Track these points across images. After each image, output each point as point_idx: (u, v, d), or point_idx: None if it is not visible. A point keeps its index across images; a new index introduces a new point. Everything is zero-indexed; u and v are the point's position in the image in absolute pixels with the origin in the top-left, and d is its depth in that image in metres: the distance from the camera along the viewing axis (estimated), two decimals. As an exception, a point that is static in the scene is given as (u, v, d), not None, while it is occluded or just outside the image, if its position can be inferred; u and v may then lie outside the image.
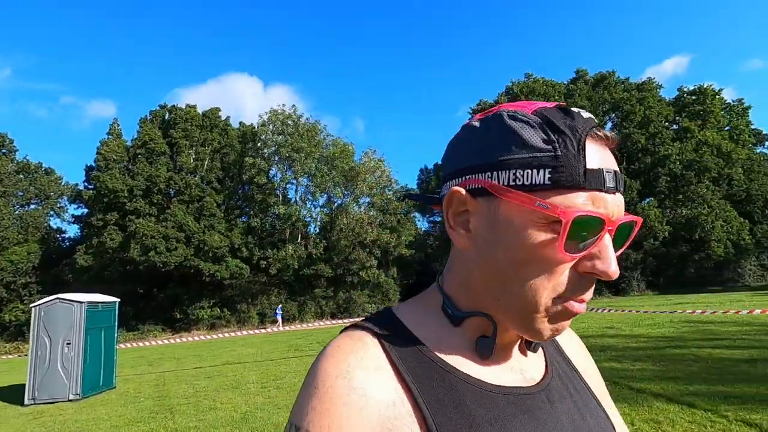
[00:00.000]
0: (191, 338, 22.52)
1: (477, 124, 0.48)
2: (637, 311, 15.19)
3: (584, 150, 0.41)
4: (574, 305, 0.44)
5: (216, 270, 29.16)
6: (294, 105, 32.69)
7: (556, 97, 31.17)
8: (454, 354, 0.48)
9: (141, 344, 22.26)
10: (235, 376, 9.20)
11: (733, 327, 9.73)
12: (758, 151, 33.63)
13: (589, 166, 0.41)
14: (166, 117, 33.68)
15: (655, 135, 28.03)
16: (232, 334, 23.58)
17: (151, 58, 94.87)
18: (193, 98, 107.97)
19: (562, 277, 0.43)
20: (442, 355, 0.48)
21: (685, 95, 31.26)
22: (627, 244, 0.47)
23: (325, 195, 33.51)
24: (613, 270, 0.42)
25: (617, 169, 0.44)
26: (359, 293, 31.36)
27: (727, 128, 29.77)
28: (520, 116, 0.44)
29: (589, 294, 0.45)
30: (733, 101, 32.08)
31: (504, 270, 0.44)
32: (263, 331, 24.26)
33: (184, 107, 33.63)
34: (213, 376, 9.44)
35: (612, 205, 0.42)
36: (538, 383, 0.51)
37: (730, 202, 28.68)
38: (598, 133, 0.43)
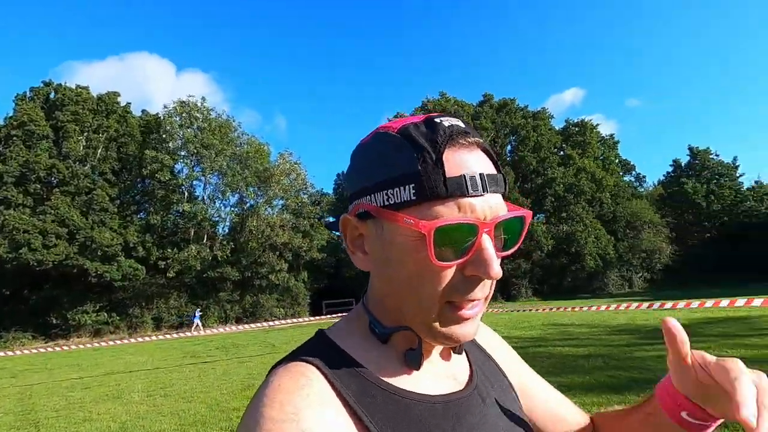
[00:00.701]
0: (70, 347, 20.14)
1: (358, 149, 0.52)
2: (519, 310, 17.16)
3: (441, 160, 0.43)
4: (465, 312, 0.46)
5: (105, 270, 26.44)
6: (203, 97, 30.82)
7: (464, 117, 33.83)
8: (393, 372, 0.50)
9: (3, 354, 19.36)
10: (119, 385, 8.66)
11: (586, 329, 11.57)
12: (625, 179, 39.87)
13: (449, 174, 0.43)
14: (51, 96, 29.79)
15: (544, 159, 31.85)
16: (122, 341, 21.58)
17: (38, 21, 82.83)
18: (88, 76, 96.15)
19: (450, 284, 0.45)
20: (384, 376, 0.49)
21: (570, 126, 36.08)
22: (520, 239, 0.49)
23: (237, 195, 32.29)
24: (494, 272, 0.44)
25: (484, 170, 0.45)
26: (267, 297, 30.64)
27: (600, 158, 34.91)
28: (387, 137, 0.48)
29: (479, 294, 0.46)
30: (606, 135, 37.80)
31: (399, 285, 0.47)
32: (160, 337, 22.57)
33: (74, 87, 30.02)
34: (92, 387, 8.76)
35: (482, 208, 0.44)
36: (468, 384, 0.54)
37: (600, 221, 33.49)
38: (461, 140, 0.45)
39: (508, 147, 34.47)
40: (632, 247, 33.84)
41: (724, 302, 10.79)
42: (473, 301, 0.46)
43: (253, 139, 32.90)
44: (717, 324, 10.25)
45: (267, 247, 30.08)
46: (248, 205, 32.61)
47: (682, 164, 41.58)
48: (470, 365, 0.58)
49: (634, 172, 44.36)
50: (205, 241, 30.12)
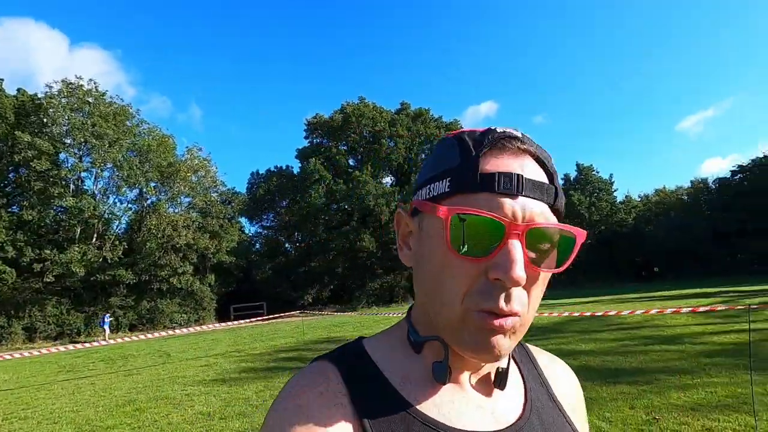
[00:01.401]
0: None
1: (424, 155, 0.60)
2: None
3: (479, 156, 0.44)
4: (492, 320, 0.43)
5: (-41, 274, 22.40)
6: (93, 80, 27.31)
7: (382, 123, 34.60)
8: (418, 390, 0.48)
9: None
10: (-33, 410, 7.46)
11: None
12: None
13: (483, 170, 0.43)
14: None
15: (453, 168, 33.96)
16: (-22, 356, 18.39)
17: None
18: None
19: (472, 284, 0.43)
20: (405, 393, 0.47)
21: (478, 139, 38.93)
22: (571, 257, 0.45)
23: (137, 190, 29.42)
24: (516, 276, 0.41)
25: (522, 173, 0.44)
26: (168, 302, 28.35)
27: None
28: (444, 141, 0.49)
29: (512, 305, 0.43)
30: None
31: (429, 282, 0.46)
32: (34, 352, 19.66)
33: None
34: (-70, 414, 7.44)
35: (512, 207, 0.42)
36: (510, 426, 0.49)
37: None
38: (508, 144, 0.45)
39: (422, 155, 35.99)
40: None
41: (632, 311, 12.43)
42: (502, 312, 0.43)
43: (156, 129, 30.17)
44: (578, 322, 11.82)
45: (169, 248, 27.86)
46: (148, 202, 29.91)
47: (571, 178, 47.12)
48: (525, 403, 0.52)
49: None
50: (93, 240, 26.96)
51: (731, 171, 38.03)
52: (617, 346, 8.04)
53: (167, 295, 28.49)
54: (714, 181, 39.94)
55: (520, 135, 0.46)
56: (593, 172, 46.42)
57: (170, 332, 12.46)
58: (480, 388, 0.51)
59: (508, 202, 0.42)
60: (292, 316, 24.61)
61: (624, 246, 40.67)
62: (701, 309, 6.39)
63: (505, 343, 0.44)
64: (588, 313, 9.11)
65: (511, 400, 0.52)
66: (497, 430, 0.47)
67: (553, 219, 0.45)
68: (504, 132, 0.46)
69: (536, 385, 0.56)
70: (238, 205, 36.70)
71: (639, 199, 47.69)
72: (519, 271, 0.41)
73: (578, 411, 0.58)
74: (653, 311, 6.95)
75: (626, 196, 47.62)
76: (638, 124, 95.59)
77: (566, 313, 10.07)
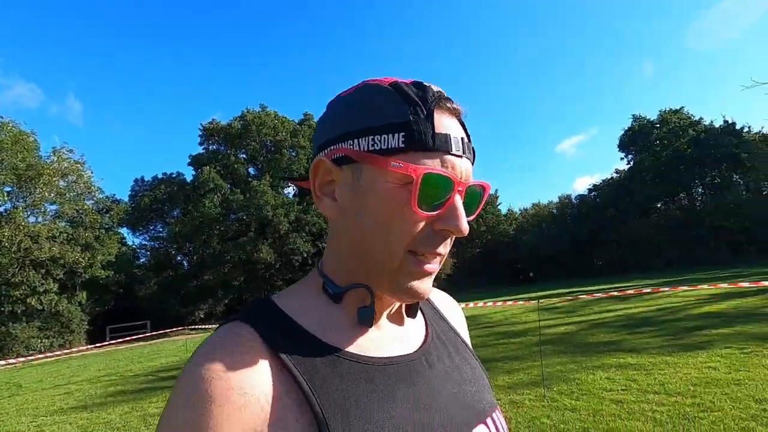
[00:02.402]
0: None
1: (340, 98, 0.52)
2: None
3: (432, 116, 0.46)
4: (427, 266, 0.48)
5: None
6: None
7: (283, 133, 34.29)
8: (339, 334, 0.50)
9: None
10: None
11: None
12: None
13: (437, 130, 0.46)
14: None
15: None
16: None
17: None
18: None
19: (419, 235, 0.47)
20: (327, 338, 0.48)
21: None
22: (479, 209, 0.53)
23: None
24: (464, 227, 0.47)
25: (464, 136, 0.49)
26: (24, 326, 24.39)
27: None
28: (377, 88, 0.49)
29: (442, 249, 0.49)
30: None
31: (367, 232, 0.48)
32: None
33: None
34: None
35: (460, 168, 0.47)
36: (418, 348, 0.55)
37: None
38: (447, 104, 0.48)
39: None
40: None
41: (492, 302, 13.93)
42: (435, 256, 0.48)
43: (10, 124, 25.73)
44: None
45: (26, 263, 24.10)
46: (1, 209, 25.56)
47: (462, 192, 51.36)
48: (426, 329, 0.60)
49: None
50: None
51: (588, 189, 45.10)
52: (488, 339, 9.24)
53: (22, 318, 24.50)
54: (576, 197, 46.87)
55: (448, 96, 0.50)
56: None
57: (23, 360, 10.96)
58: (393, 321, 0.56)
59: (458, 163, 0.47)
60: (181, 333, 22.98)
61: (505, 254, 45.50)
62: (530, 303, 7.77)
63: (430, 285, 0.50)
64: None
65: (417, 328, 0.59)
66: (411, 352, 0.53)
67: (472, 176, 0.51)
68: (440, 91, 0.49)
69: (431, 311, 0.64)
70: (118, 214, 33.15)
71: (519, 212, 53.83)
72: (465, 224, 0.47)
73: (462, 327, 0.69)
74: (498, 303, 8.17)
75: (509, 210, 53.45)
76: (525, 144, 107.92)
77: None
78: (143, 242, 36.07)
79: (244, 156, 36.02)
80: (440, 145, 0.46)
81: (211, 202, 30.11)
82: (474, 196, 0.51)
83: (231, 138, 34.62)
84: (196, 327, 21.88)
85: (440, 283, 43.40)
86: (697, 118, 34.79)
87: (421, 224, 0.47)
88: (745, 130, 33.16)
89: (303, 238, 31.68)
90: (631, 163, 37.90)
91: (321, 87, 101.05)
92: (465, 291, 38.41)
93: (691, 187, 35.02)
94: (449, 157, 0.47)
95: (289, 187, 36.71)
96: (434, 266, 0.49)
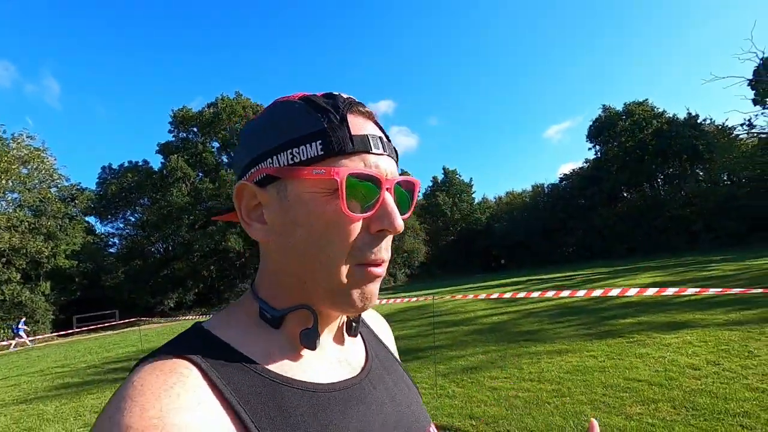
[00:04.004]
0: None
1: (252, 123, 0.51)
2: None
3: (346, 120, 0.46)
4: (374, 269, 0.47)
5: None
6: None
7: (255, 121, 33.95)
8: (282, 361, 0.47)
9: None
10: None
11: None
12: None
13: (353, 133, 0.46)
14: None
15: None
16: None
17: None
18: None
19: (357, 241, 0.46)
20: (270, 366, 0.46)
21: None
22: (413, 206, 0.53)
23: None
24: (399, 224, 0.47)
25: (382, 135, 0.49)
26: (-15, 317, 24.07)
27: None
28: (287, 104, 0.49)
29: (385, 254, 0.48)
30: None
31: (304, 248, 0.46)
32: None
33: None
34: None
35: (384, 167, 0.47)
36: (361, 370, 0.54)
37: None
38: (359, 108, 0.49)
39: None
40: (397, 249, 40.25)
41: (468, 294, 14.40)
42: (380, 261, 0.48)
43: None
44: (406, 311, 13.69)
45: (-15, 253, 23.66)
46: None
47: (438, 180, 51.97)
48: (366, 350, 0.59)
49: None
50: None
51: (559, 178, 46.13)
52: (427, 329, 9.68)
53: (-16, 308, 24.17)
54: (548, 186, 47.90)
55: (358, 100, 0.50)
56: (457, 176, 51.86)
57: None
58: (334, 342, 0.55)
59: (381, 161, 0.47)
60: (150, 323, 23.02)
61: (478, 241, 46.41)
62: (483, 296, 8.21)
63: (377, 290, 0.49)
64: (414, 299, 10.63)
65: (357, 349, 0.58)
66: (354, 376, 0.52)
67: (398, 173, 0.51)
68: (350, 97, 0.49)
69: (364, 329, 0.64)
70: (84, 202, 32.56)
71: (493, 200, 54.75)
72: (400, 220, 0.47)
73: (391, 341, 0.70)
74: (458, 296, 8.57)
75: (483, 198, 54.29)
76: (511, 131, 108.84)
77: (404, 300, 11.61)
78: (111, 231, 35.60)
79: (216, 144, 35.63)
80: (359, 147, 0.46)
81: (180, 191, 29.87)
82: (403, 194, 0.51)
83: (202, 126, 34.16)
84: (168, 317, 21.94)
85: (414, 271, 44.21)
86: (660, 110, 35.79)
87: (357, 229, 0.46)
88: (708, 122, 34.34)
89: (273, 227, 31.79)
90: (599, 153, 38.87)
91: (304, 74, 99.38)
92: (439, 279, 39.24)
93: (654, 177, 36.21)
94: (371, 156, 0.46)
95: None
96: (380, 270, 0.48)
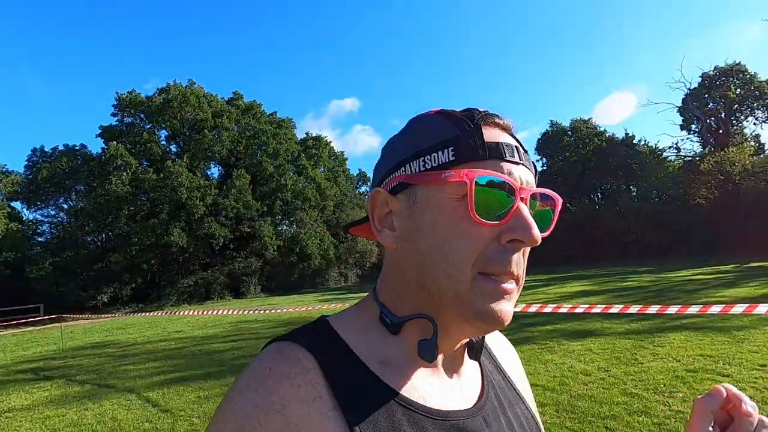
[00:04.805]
0: None
1: (390, 140, 0.53)
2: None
3: (480, 129, 0.45)
4: (503, 284, 0.44)
5: None
6: None
7: (208, 112, 32.72)
8: (397, 372, 0.47)
9: None
10: None
11: (257, 324, 13.46)
12: (361, 190, 47.22)
13: (486, 140, 0.45)
14: None
15: (280, 166, 34.34)
16: None
17: None
18: None
19: (486, 250, 0.44)
20: (385, 377, 0.46)
21: (308, 139, 40.19)
22: (553, 224, 0.49)
23: None
24: (535, 234, 0.43)
25: (518, 145, 0.47)
26: None
27: (330, 170, 40.37)
28: (423, 118, 0.50)
29: (516, 267, 0.45)
30: (338, 152, 44.04)
31: (428, 255, 0.45)
32: None
33: None
34: None
35: (518, 174, 0.45)
36: (476, 404, 0.50)
37: (327, 225, 38.53)
38: (495, 119, 0.47)
39: (250, 150, 35.34)
40: (350, 249, 40.32)
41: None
42: (509, 276, 0.45)
43: None
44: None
45: None
46: None
47: (394, 183, 52.49)
48: (482, 381, 0.55)
49: (369, 184, 53.43)
50: None
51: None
52: None
53: None
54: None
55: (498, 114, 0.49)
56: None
57: None
58: (452, 363, 0.52)
59: (515, 169, 0.45)
60: (80, 318, 21.62)
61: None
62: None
63: (510, 308, 0.45)
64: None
65: (473, 377, 0.54)
66: (469, 408, 0.49)
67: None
68: (486, 110, 0.48)
69: (487, 360, 0.59)
70: (9, 185, 30.02)
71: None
72: (537, 230, 0.43)
73: (522, 379, 0.63)
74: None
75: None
76: None
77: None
78: (41, 218, 32.99)
79: (164, 133, 34.02)
80: (492, 153, 0.45)
81: (120, 180, 28.22)
82: (543, 212, 0.48)
83: (150, 112, 32.45)
84: (100, 312, 20.68)
85: (366, 272, 44.57)
86: (602, 129, 38.35)
87: (486, 238, 0.44)
88: (642, 143, 37.19)
89: (220, 222, 30.81)
90: (545, 166, 40.97)
91: (268, 66, 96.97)
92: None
93: (594, 191, 38.70)
94: (504, 163, 0.45)
95: (210, 169, 35.34)
96: (511, 286, 0.45)
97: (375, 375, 0.45)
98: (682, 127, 36.43)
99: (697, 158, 32.98)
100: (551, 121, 41.11)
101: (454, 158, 0.44)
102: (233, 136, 34.19)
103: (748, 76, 32.85)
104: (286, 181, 33.76)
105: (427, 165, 0.46)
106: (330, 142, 41.44)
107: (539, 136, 41.69)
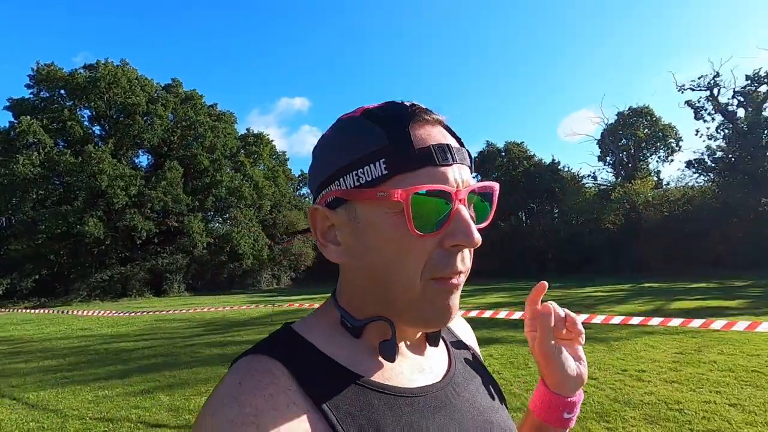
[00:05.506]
0: None
1: (319, 142, 0.51)
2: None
3: (408, 133, 0.44)
4: (450, 282, 0.46)
5: None
6: None
7: (139, 97, 30.70)
8: (365, 366, 0.48)
9: None
10: None
11: (175, 323, 12.90)
12: (303, 191, 46.46)
13: (417, 146, 0.44)
14: None
15: (217, 161, 33.03)
16: None
17: None
18: None
19: (431, 258, 0.45)
20: (357, 370, 0.47)
21: (249, 136, 39.03)
22: (492, 213, 0.51)
23: None
24: (475, 238, 0.44)
25: (450, 142, 0.46)
26: None
27: (262, 168, 39.39)
28: (349, 122, 0.48)
29: (462, 266, 0.47)
30: (280, 151, 43.24)
31: (379, 270, 0.46)
32: None
33: None
34: None
35: (453, 176, 0.45)
36: (444, 376, 0.54)
37: (263, 225, 37.53)
38: (423, 116, 0.46)
39: (185, 141, 33.56)
40: (285, 251, 39.58)
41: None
42: (457, 273, 0.47)
43: None
44: (283, 314, 13.69)
45: None
46: None
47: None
48: (449, 357, 0.58)
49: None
50: None
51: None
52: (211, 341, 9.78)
53: None
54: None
55: (425, 106, 0.48)
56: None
57: None
58: (415, 351, 0.55)
59: (449, 173, 0.45)
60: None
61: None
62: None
63: (456, 303, 0.48)
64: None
65: (439, 356, 0.57)
66: (437, 382, 0.52)
67: (472, 180, 0.49)
68: (415, 105, 0.47)
69: (448, 334, 0.63)
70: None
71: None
72: (476, 233, 0.45)
73: (476, 345, 0.68)
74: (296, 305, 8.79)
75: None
76: None
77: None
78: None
79: (88, 113, 31.33)
80: (424, 160, 0.44)
81: (29, 160, 25.50)
82: (479, 202, 0.50)
83: (72, 89, 29.74)
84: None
85: (300, 275, 43.85)
86: (531, 153, 41.37)
87: (430, 246, 0.45)
88: (565, 169, 40.62)
89: (145, 215, 28.91)
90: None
91: (211, 55, 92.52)
92: (322, 285, 39.38)
93: (521, 210, 41.54)
94: (437, 169, 0.45)
95: (139, 158, 33.12)
96: (457, 281, 0.47)
97: (347, 369, 0.47)
98: (599, 158, 40.35)
99: (610, 187, 36.68)
100: (487, 141, 43.65)
101: (386, 171, 0.44)
102: (167, 125, 32.32)
103: (654, 119, 37.29)
104: (221, 177, 32.52)
105: (360, 180, 0.45)
106: (272, 140, 40.55)
107: (476, 155, 44.04)
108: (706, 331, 7.22)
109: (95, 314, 15.15)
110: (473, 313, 7.42)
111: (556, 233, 35.94)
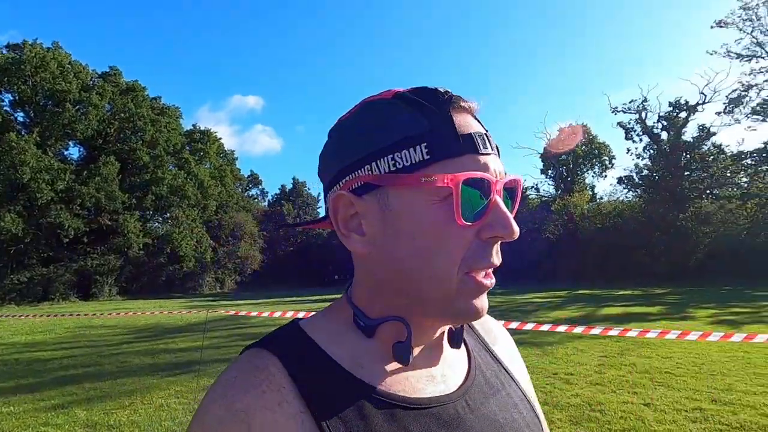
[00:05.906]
0: None
1: (341, 124, 0.47)
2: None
3: (450, 119, 0.42)
4: (484, 281, 0.44)
5: None
6: None
7: (71, 83, 28.36)
8: (372, 370, 0.45)
9: None
10: None
11: (102, 330, 11.96)
12: (252, 192, 45.00)
13: (459, 132, 0.42)
14: None
15: (158, 157, 31.22)
16: None
17: None
18: None
19: (468, 249, 0.43)
20: (359, 374, 0.44)
21: (195, 132, 37.34)
22: (516, 206, 0.48)
23: None
24: (515, 228, 0.43)
25: (486, 132, 0.45)
26: None
27: (209, 166, 37.81)
28: (380, 104, 0.45)
29: (497, 259, 0.45)
30: (229, 150, 41.76)
31: (409, 261, 0.43)
32: None
33: None
34: None
35: (493, 166, 0.43)
36: (459, 387, 0.49)
37: (206, 226, 35.92)
38: (461, 103, 0.44)
39: (123, 134, 31.42)
40: (230, 253, 38.13)
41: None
42: (493, 267, 0.45)
43: None
44: (220, 321, 13.08)
45: None
46: None
47: (286, 190, 51.52)
48: (469, 366, 0.53)
49: (261, 187, 51.83)
50: None
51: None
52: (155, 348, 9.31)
53: None
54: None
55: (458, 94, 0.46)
56: (305, 188, 52.31)
57: None
58: (431, 355, 0.51)
59: (489, 161, 0.44)
60: None
61: (317, 256, 47.28)
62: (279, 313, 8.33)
63: (487, 301, 0.46)
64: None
65: (457, 363, 0.52)
66: (450, 392, 0.48)
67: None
68: (448, 90, 0.45)
69: (475, 342, 0.57)
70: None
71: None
72: (516, 226, 0.43)
73: (515, 359, 0.61)
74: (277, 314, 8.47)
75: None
76: None
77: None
78: None
79: (9, 97, 28.47)
80: (467, 148, 0.42)
81: (-65, 146, 22.76)
82: (506, 197, 0.47)
83: (-7, 71, 26.92)
84: None
85: (246, 279, 42.37)
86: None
87: (469, 237, 0.43)
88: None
89: (74, 212, 26.68)
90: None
91: (160, 44, 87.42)
92: (270, 289, 38.31)
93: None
94: (479, 157, 0.43)
95: (69, 150, 30.53)
96: (490, 280, 0.45)
97: (348, 373, 0.45)
98: (542, 171, 42.65)
99: (551, 199, 38.85)
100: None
101: (428, 156, 0.41)
102: (103, 116, 30.11)
103: (591, 137, 40.06)
104: (163, 174, 30.81)
105: (398, 164, 0.42)
106: (220, 138, 39.02)
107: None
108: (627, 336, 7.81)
109: (8, 319, 13.69)
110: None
111: (512, 243, 37.55)
